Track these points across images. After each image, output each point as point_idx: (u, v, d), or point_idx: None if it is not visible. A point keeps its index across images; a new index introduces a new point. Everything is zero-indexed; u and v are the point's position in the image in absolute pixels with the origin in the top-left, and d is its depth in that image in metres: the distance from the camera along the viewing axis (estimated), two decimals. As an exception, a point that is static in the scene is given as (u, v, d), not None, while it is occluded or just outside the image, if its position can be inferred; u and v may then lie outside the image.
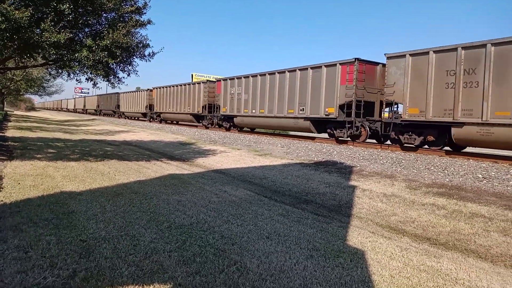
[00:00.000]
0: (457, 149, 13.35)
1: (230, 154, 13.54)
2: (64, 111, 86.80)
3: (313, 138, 19.12)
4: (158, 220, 4.89)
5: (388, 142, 15.57)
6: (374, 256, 4.14)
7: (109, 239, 4.05)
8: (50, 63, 11.77)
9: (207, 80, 28.12)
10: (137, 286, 3.05)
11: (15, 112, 62.18)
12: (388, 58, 13.94)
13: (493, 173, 8.97)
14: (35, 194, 5.93)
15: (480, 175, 8.86)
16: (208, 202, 6.10)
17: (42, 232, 4.12)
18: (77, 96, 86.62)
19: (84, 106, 67.86)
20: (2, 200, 5.38)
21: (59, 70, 11.90)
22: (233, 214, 5.44)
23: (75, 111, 76.86)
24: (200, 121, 28.37)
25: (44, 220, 4.58)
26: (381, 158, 11.64)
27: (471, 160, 11.08)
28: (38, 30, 9.00)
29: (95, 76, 10.53)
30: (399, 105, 14.11)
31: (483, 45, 10.95)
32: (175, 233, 4.40)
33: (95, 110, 59.35)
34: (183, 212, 5.37)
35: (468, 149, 14.11)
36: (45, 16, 8.89)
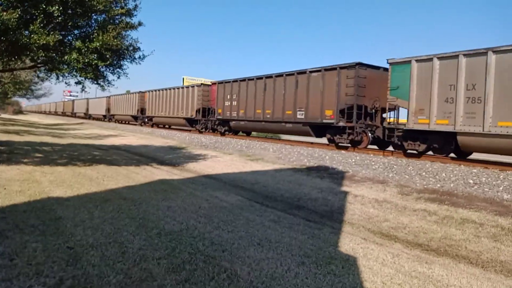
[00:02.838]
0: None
1: (222, 159, 13.46)
2: (53, 114, 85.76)
3: (310, 143, 18.98)
4: (147, 226, 4.80)
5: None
6: (366, 263, 4.10)
7: (97, 246, 3.95)
8: (39, 65, 11.61)
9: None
10: (124, 295, 2.97)
11: (2, 116, 61.18)
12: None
13: (484, 179, 9.03)
14: (22, 200, 5.80)
15: (471, 181, 8.91)
16: (199, 208, 6.02)
17: (28, 239, 4.01)
18: (66, 99, 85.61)
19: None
20: (-14, 206, 5.25)
21: (48, 73, 11.72)
22: (224, 220, 5.37)
23: (64, 114, 75.81)
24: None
25: (30, 227, 4.46)
26: (373, 163, 11.66)
27: (462, 165, 11.16)
28: (26, 32, 8.87)
29: (84, 79, 10.39)
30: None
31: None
32: (165, 239, 4.32)
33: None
34: (173, 218, 5.29)
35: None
36: (34, 18, 8.77)
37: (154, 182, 8.32)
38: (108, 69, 10.70)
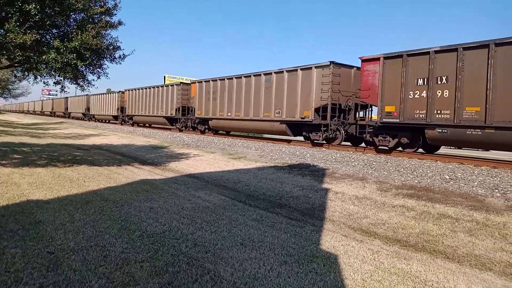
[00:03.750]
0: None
1: (204, 157, 13.44)
2: (31, 113, 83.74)
3: (288, 141, 19.25)
4: (129, 228, 4.79)
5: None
6: (347, 260, 4.20)
7: (78, 250, 3.93)
8: (16, 65, 11.36)
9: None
10: (107, 300, 2.97)
11: (-22, 115, 59.57)
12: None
13: (460, 174, 9.30)
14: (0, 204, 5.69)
15: (447, 176, 9.16)
16: (181, 209, 6.02)
17: (7, 245, 3.96)
18: (45, 98, 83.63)
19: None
20: (-37, 211, 5.14)
21: (26, 73, 11.47)
22: (207, 221, 5.40)
23: (43, 113, 74.13)
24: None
25: (9, 232, 4.39)
26: (353, 160, 11.85)
27: (438, 162, 11.45)
28: (2, 30, 8.67)
29: (63, 79, 10.22)
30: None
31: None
32: (147, 242, 4.32)
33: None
34: (155, 219, 5.28)
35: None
36: (9, 16, 8.57)
37: (136, 182, 8.27)
38: (87, 69, 10.55)
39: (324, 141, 16.68)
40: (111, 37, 10.82)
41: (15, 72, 15.94)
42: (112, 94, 40.25)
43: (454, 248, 5.05)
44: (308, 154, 13.39)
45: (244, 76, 20.54)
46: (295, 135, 18.55)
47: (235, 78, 21.28)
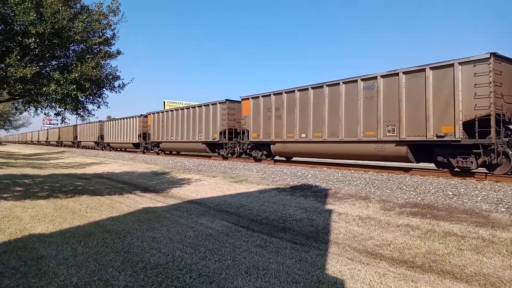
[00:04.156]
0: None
1: (205, 182, 13.41)
2: (35, 144, 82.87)
3: (283, 161, 19.33)
4: (132, 260, 4.74)
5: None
6: (353, 285, 4.14)
7: (81, 286, 3.89)
8: (17, 98, 11.47)
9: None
10: (111, 338, 2.92)
11: (-21, 148, 59.72)
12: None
13: (462, 190, 9.26)
14: (1, 239, 5.66)
15: (450, 192, 9.11)
16: (184, 237, 5.98)
17: (9, 283, 3.92)
18: (45, 128, 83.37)
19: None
20: (-36, 249, 5.10)
21: (26, 105, 11.57)
22: (210, 249, 5.35)
23: (48, 143, 72.06)
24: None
25: (11, 269, 4.36)
26: (355, 179, 11.81)
27: (441, 178, 11.41)
28: (2, 65, 8.79)
29: (63, 110, 10.30)
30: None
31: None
32: (151, 274, 4.27)
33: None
34: (158, 250, 5.24)
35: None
36: (10, 50, 8.71)
37: (138, 211, 8.23)
38: (87, 99, 10.65)
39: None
40: (111, 66, 10.98)
41: (16, 104, 16.09)
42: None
43: (462, 268, 4.98)
44: (309, 175, 13.36)
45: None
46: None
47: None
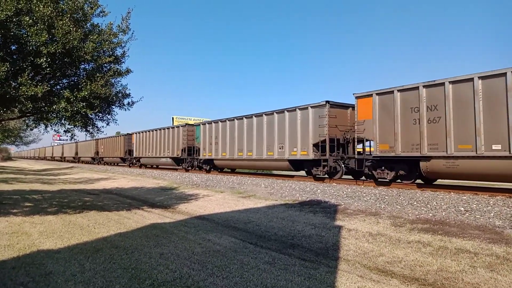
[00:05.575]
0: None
1: (213, 197, 13.38)
2: (44, 159, 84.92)
3: (292, 176, 19.37)
4: (140, 277, 4.71)
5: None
6: (364, 303, 4.05)
7: (88, 303, 3.85)
8: (28, 115, 11.64)
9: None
10: None
11: (-9, 163, 60.50)
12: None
13: (475, 206, 9.10)
14: (10, 255, 5.67)
15: (462, 208, 8.96)
16: (192, 254, 5.93)
17: (16, 300, 3.90)
18: (55, 144, 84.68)
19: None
20: (-27, 265, 5.11)
21: (37, 122, 11.73)
22: (218, 266, 5.29)
23: (53, 159, 75.16)
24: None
25: (19, 285, 4.35)
26: (365, 195, 11.69)
27: (452, 193, 11.25)
28: (15, 84, 8.95)
29: (73, 127, 10.42)
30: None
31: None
32: (158, 291, 4.23)
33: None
34: (166, 266, 5.19)
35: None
36: (22, 70, 8.87)
37: (146, 227, 8.21)
38: (97, 116, 10.76)
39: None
40: (121, 84, 11.12)
41: (26, 121, 16.33)
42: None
43: (475, 285, 4.85)
44: (318, 190, 13.26)
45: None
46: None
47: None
